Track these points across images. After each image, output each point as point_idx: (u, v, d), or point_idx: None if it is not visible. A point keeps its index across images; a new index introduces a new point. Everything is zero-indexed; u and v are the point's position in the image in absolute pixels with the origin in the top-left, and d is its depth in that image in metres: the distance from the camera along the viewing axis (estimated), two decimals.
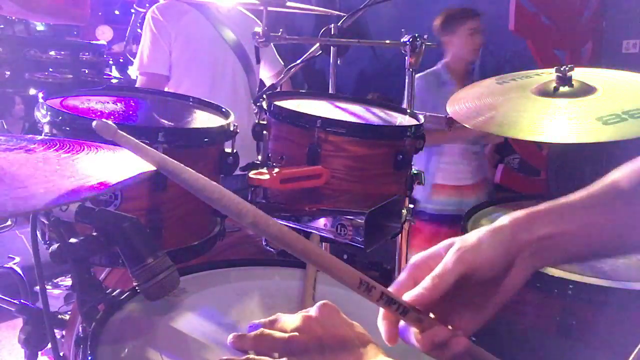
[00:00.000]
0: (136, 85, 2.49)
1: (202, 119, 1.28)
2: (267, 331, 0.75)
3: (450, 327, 0.71)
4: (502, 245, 0.70)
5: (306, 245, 0.65)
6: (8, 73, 2.66)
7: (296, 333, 0.71)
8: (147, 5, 2.77)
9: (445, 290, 0.69)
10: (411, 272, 0.73)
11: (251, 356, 0.73)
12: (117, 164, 0.72)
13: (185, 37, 2.46)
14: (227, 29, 2.51)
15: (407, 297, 0.70)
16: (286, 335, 0.72)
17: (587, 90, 1.28)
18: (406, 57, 1.55)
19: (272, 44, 2.55)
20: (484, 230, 0.72)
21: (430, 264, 0.72)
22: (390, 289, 0.72)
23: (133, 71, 2.54)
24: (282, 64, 2.71)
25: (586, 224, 0.72)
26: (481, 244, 0.70)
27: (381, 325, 0.72)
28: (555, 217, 0.72)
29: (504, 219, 0.73)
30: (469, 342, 0.71)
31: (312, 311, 0.76)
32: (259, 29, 1.64)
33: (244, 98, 2.51)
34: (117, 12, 5.59)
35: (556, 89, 1.30)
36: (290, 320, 0.75)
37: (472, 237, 0.72)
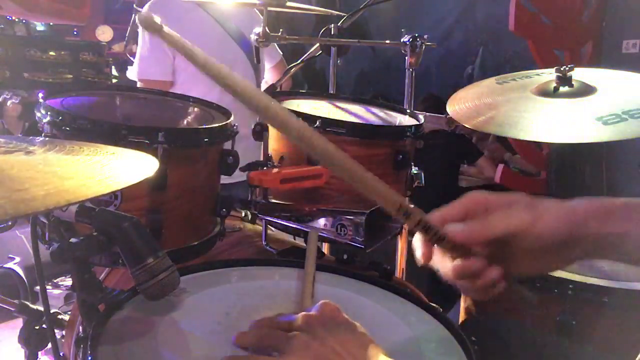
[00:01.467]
0: None
1: (202, 119, 1.28)
2: (268, 329, 0.75)
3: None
4: (570, 225, 0.68)
5: (352, 164, 0.63)
6: (7, 75, 2.66)
7: (297, 332, 0.71)
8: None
9: (490, 239, 0.68)
10: (466, 204, 0.72)
11: (252, 355, 0.73)
12: (117, 165, 0.72)
13: (190, 38, 2.36)
14: (234, 25, 2.35)
15: (451, 229, 0.69)
16: (287, 334, 0.72)
17: (587, 90, 1.28)
18: (406, 57, 1.55)
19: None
20: (555, 202, 0.70)
21: (489, 206, 0.70)
22: (439, 213, 0.71)
23: (132, 76, 2.40)
24: (281, 53, 2.67)
25: None
26: (548, 213, 0.68)
27: (417, 243, 0.72)
28: (630, 215, 0.69)
29: (580, 202, 0.70)
30: (502, 275, 0.70)
31: (313, 310, 0.76)
32: (258, 29, 1.65)
33: None
34: (117, 12, 5.60)
35: (556, 89, 1.30)
36: (291, 320, 0.75)
37: (541, 203, 0.70)
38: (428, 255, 0.72)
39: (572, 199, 0.71)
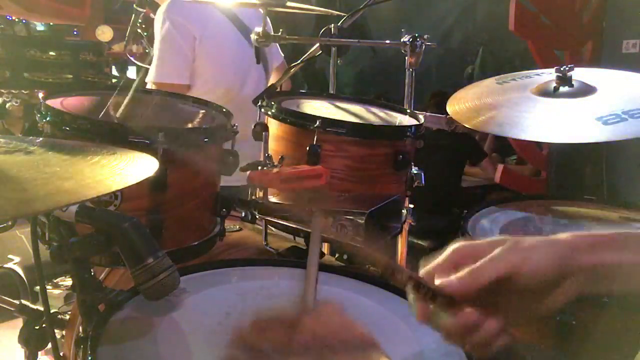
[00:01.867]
0: None
1: (202, 119, 1.28)
2: (270, 329, 0.75)
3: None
4: (558, 260, 0.67)
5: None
6: (7, 75, 2.66)
7: (298, 333, 0.71)
8: (147, 5, 2.74)
9: (481, 287, 0.67)
10: (452, 256, 0.71)
11: (253, 356, 0.73)
12: (117, 165, 0.71)
13: (211, 40, 2.16)
14: (248, 29, 2.25)
15: (442, 282, 0.68)
16: (288, 334, 0.72)
17: (587, 90, 1.28)
18: (406, 57, 1.55)
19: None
20: (541, 238, 0.69)
21: (474, 254, 0.69)
22: (427, 268, 0.71)
23: (148, 81, 2.22)
24: (283, 55, 2.66)
25: None
26: (535, 251, 0.67)
27: (413, 303, 0.71)
28: (620, 246, 0.69)
29: (566, 234, 0.69)
30: (501, 327, 0.69)
31: (314, 311, 0.75)
32: (259, 29, 1.64)
33: None
34: (117, 12, 5.60)
35: (556, 89, 1.30)
36: (291, 320, 0.75)
37: (526, 241, 0.69)
38: (425, 314, 0.71)
39: (556, 234, 0.71)
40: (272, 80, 2.50)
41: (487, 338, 0.69)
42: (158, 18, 2.18)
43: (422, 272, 0.71)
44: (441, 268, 0.71)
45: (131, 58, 2.83)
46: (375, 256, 0.67)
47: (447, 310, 0.69)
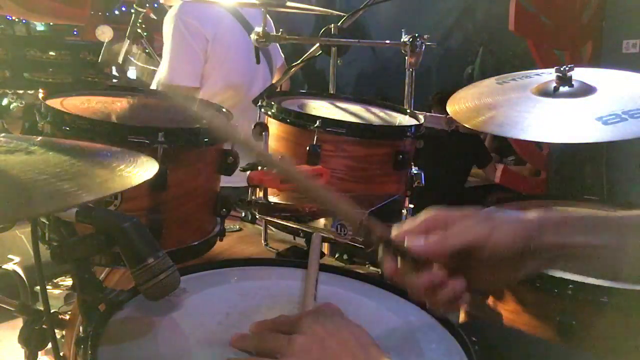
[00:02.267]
0: None
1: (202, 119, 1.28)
2: (269, 331, 0.75)
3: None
4: (524, 238, 0.70)
5: (313, 183, 0.68)
6: (7, 75, 2.66)
7: (297, 334, 0.71)
8: (147, 5, 2.73)
9: (448, 253, 0.71)
10: (424, 222, 0.74)
11: (253, 357, 0.73)
12: (117, 165, 0.71)
13: (222, 42, 2.17)
14: (253, 29, 2.30)
15: (411, 243, 0.72)
16: (288, 336, 0.72)
17: (587, 90, 1.28)
18: (406, 57, 1.55)
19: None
20: (512, 214, 0.73)
21: (445, 222, 0.73)
22: (400, 230, 0.74)
23: (156, 82, 2.25)
24: (283, 56, 2.66)
25: (618, 242, 0.70)
26: (503, 227, 0.71)
27: (382, 259, 0.74)
28: (587, 228, 0.71)
29: (535, 213, 0.73)
30: (465, 287, 0.73)
31: (314, 312, 0.76)
32: (259, 29, 1.65)
33: None
34: (117, 12, 5.60)
35: (556, 89, 1.30)
36: (292, 321, 0.75)
37: (496, 216, 0.73)
38: (393, 270, 0.74)
39: (527, 211, 0.74)
40: (273, 80, 2.51)
41: (450, 297, 0.73)
42: (168, 20, 2.18)
43: (394, 233, 0.74)
44: (412, 231, 0.74)
45: (131, 58, 2.83)
46: (350, 213, 0.70)
47: (415, 268, 0.73)
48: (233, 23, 2.24)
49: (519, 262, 0.72)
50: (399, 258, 0.73)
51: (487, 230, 0.71)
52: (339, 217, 0.69)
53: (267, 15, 1.68)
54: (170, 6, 2.31)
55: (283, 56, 2.63)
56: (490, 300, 1.31)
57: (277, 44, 2.55)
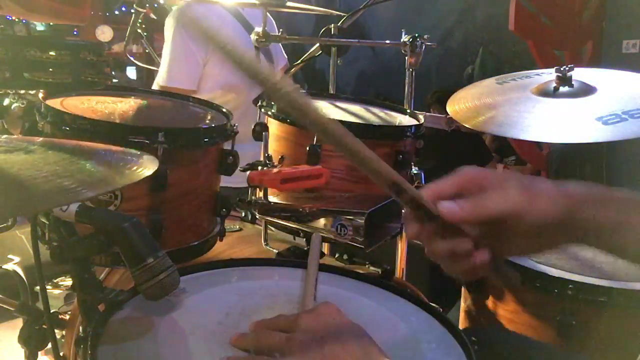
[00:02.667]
0: None
1: (202, 119, 1.28)
2: (269, 331, 0.75)
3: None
4: (565, 209, 0.67)
5: (347, 134, 0.61)
6: (7, 75, 2.65)
7: (297, 334, 0.71)
8: (147, 5, 2.73)
9: (482, 220, 0.67)
10: (460, 180, 0.70)
11: (252, 356, 0.73)
12: (117, 165, 0.72)
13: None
14: (253, 29, 2.30)
15: (442, 207, 0.67)
16: (287, 335, 0.72)
17: (587, 90, 1.28)
18: (406, 57, 1.55)
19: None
20: (551, 184, 0.69)
21: (483, 184, 0.69)
22: (431, 189, 0.69)
23: (156, 83, 2.26)
24: (286, 57, 2.65)
25: None
26: (543, 198, 0.67)
27: (407, 217, 0.70)
28: (627, 205, 0.68)
29: (577, 186, 0.69)
30: (490, 259, 0.69)
31: (314, 311, 0.75)
32: (259, 29, 1.64)
33: None
34: (117, 12, 5.60)
35: (556, 89, 1.30)
36: (291, 320, 0.75)
37: (537, 184, 0.68)
38: (418, 232, 0.70)
39: (569, 183, 0.70)
40: None
41: (471, 267, 0.69)
42: (169, 22, 2.18)
43: (426, 191, 0.69)
44: (447, 190, 0.70)
45: (131, 58, 2.83)
46: (381, 168, 0.63)
47: (443, 232, 0.68)
48: (234, 25, 2.24)
49: (554, 235, 0.68)
50: (426, 220, 0.68)
51: (525, 199, 0.66)
52: (364, 168, 0.63)
53: (269, 16, 1.68)
54: (173, 6, 2.31)
55: (286, 57, 2.62)
56: (490, 301, 1.31)
57: (281, 45, 2.56)
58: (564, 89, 1.29)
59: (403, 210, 0.70)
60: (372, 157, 0.62)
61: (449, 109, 1.37)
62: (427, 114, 1.45)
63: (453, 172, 0.71)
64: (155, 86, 2.22)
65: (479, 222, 0.67)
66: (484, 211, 0.66)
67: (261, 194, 1.20)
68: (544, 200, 0.67)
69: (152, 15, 2.64)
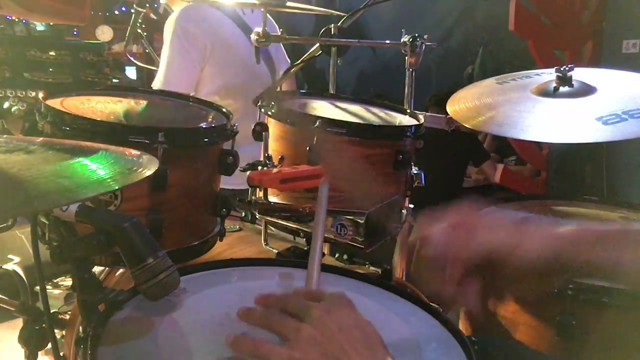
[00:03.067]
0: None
1: (202, 119, 1.28)
2: (279, 313, 0.73)
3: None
4: (556, 252, 0.69)
5: None
6: (7, 75, 2.65)
7: (307, 324, 0.70)
8: (147, 5, 2.73)
9: (470, 257, 0.70)
10: (451, 220, 0.73)
11: (261, 340, 0.71)
12: (117, 164, 0.72)
13: (222, 49, 2.17)
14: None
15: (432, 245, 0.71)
16: (296, 324, 0.70)
17: (587, 90, 1.28)
18: (406, 57, 1.55)
19: (281, 44, 2.51)
20: (542, 227, 0.71)
21: (475, 225, 0.72)
22: (423, 222, 0.73)
23: (153, 86, 2.22)
24: (289, 61, 2.65)
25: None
26: (533, 239, 0.68)
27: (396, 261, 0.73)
28: (619, 242, 0.71)
29: (570, 228, 0.70)
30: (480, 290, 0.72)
31: (327, 303, 0.74)
32: (259, 29, 1.64)
33: None
34: (117, 12, 5.60)
35: (556, 89, 1.30)
36: (302, 306, 0.73)
37: (528, 226, 0.71)
38: (406, 266, 0.74)
39: (560, 225, 0.72)
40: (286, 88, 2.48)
41: (460, 300, 0.74)
42: (168, 25, 2.18)
43: (417, 229, 0.73)
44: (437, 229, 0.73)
45: (131, 58, 2.83)
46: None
47: (432, 267, 0.73)
48: (234, 29, 2.24)
49: (545, 278, 0.71)
50: (415, 255, 0.72)
51: (515, 241, 0.69)
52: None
53: (269, 17, 1.68)
54: (174, 7, 2.31)
55: (288, 60, 2.62)
56: (490, 301, 1.31)
57: (283, 48, 2.57)
58: (564, 89, 1.29)
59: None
60: None
61: (449, 109, 1.37)
62: (427, 114, 1.45)
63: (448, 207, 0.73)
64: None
65: (467, 258, 0.70)
66: (472, 251, 0.70)
67: (261, 194, 1.20)
68: (532, 242, 0.69)
69: (152, 15, 2.64)
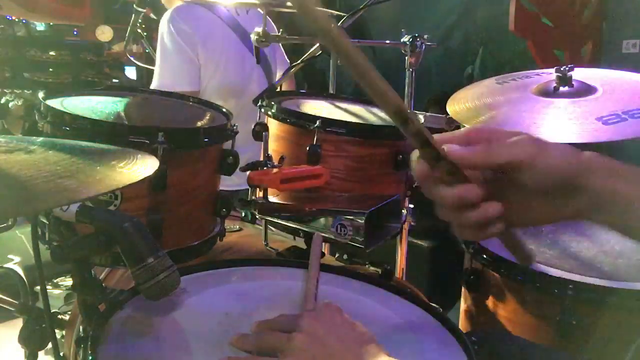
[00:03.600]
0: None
1: (202, 119, 1.28)
2: (270, 331, 0.75)
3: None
4: (574, 168, 0.64)
5: (359, 56, 0.62)
6: (7, 75, 2.65)
7: (298, 333, 0.71)
8: (147, 6, 2.74)
9: (492, 166, 0.64)
10: (469, 132, 0.68)
11: (253, 356, 0.73)
12: (117, 164, 0.72)
13: (213, 48, 2.21)
14: (247, 34, 2.26)
15: (451, 150, 0.64)
16: (288, 335, 0.72)
17: (587, 90, 1.28)
18: (406, 57, 1.55)
19: (280, 45, 2.53)
20: (563, 145, 0.66)
21: (492, 136, 0.66)
22: (441, 136, 0.66)
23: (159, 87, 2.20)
24: (288, 62, 2.66)
25: None
26: (554, 151, 0.65)
27: (414, 160, 0.67)
28: (634, 178, 0.65)
29: (588, 152, 0.66)
30: (502, 209, 0.65)
31: (315, 311, 0.75)
32: (259, 29, 1.64)
33: None
34: (117, 12, 5.60)
35: (556, 89, 1.30)
36: (292, 320, 0.75)
37: (547, 141, 0.66)
38: (424, 173, 0.66)
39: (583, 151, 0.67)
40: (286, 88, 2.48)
41: (481, 220, 0.65)
42: (162, 26, 2.19)
43: (435, 135, 0.66)
44: (453, 138, 0.67)
45: (131, 58, 2.83)
46: (387, 96, 0.61)
47: (449, 178, 0.65)
48: (224, 29, 2.26)
49: (561, 198, 0.65)
50: (434, 161, 0.64)
51: (536, 150, 0.64)
52: (374, 98, 0.63)
53: (268, 18, 1.68)
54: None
55: (288, 61, 2.62)
56: (490, 301, 1.31)
57: (282, 49, 2.58)
58: (564, 89, 1.29)
59: (411, 154, 0.66)
60: (380, 81, 0.62)
61: (449, 109, 1.37)
62: (428, 114, 1.45)
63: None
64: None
65: (487, 167, 0.65)
66: (493, 157, 0.64)
67: (261, 194, 1.20)
68: (555, 153, 0.65)
69: (152, 15, 2.64)
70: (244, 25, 2.31)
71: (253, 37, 1.65)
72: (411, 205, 1.37)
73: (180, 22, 2.15)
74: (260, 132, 1.24)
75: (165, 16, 2.21)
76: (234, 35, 2.28)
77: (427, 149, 0.64)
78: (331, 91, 1.78)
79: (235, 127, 1.18)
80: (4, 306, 1.03)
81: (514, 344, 1.08)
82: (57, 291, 2.35)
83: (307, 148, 1.16)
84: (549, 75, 1.35)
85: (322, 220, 1.12)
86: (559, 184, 0.65)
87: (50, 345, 0.95)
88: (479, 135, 0.67)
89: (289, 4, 1.73)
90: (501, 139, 0.66)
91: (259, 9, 2.34)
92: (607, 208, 0.65)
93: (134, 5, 2.65)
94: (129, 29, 2.72)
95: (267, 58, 2.37)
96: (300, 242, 1.29)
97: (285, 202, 1.20)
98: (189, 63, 2.16)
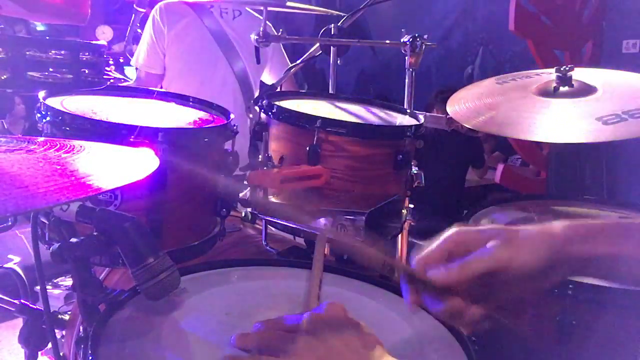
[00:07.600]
0: (135, 78, 2.59)
1: (202, 119, 1.28)
2: (272, 330, 0.74)
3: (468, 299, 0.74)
4: (549, 252, 0.71)
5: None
6: (7, 75, 2.65)
7: (301, 332, 0.70)
8: (147, 6, 2.75)
9: (469, 279, 0.71)
10: (446, 245, 0.75)
11: (254, 355, 0.73)
12: (117, 164, 0.72)
13: (178, 43, 2.51)
14: (225, 35, 2.52)
15: (432, 275, 0.73)
16: (291, 335, 0.71)
17: (587, 90, 1.28)
18: (406, 57, 1.55)
19: (281, 46, 2.57)
20: (534, 230, 0.73)
21: (467, 243, 0.74)
22: (421, 256, 0.76)
23: (132, 63, 2.67)
24: (289, 63, 2.67)
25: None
26: (526, 247, 0.71)
27: (405, 291, 0.77)
28: (611, 236, 0.72)
29: (558, 226, 0.73)
30: (483, 313, 0.74)
31: (318, 311, 0.75)
32: (254, 35, 1.64)
33: (234, 107, 2.48)
34: (117, 12, 5.60)
35: (556, 89, 1.30)
36: (295, 320, 0.74)
37: (519, 235, 0.73)
38: (416, 301, 0.77)
39: (551, 223, 0.74)
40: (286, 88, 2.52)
41: (471, 322, 0.75)
42: (150, 15, 2.55)
43: (416, 260, 0.76)
44: (434, 257, 0.75)
45: (131, 58, 2.83)
46: (372, 255, 0.73)
47: (437, 297, 0.75)
48: (197, 26, 2.50)
49: (543, 276, 0.72)
50: (421, 288, 0.76)
51: (508, 254, 0.71)
52: (365, 263, 0.79)
53: (260, 17, 1.70)
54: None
55: (288, 62, 2.63)
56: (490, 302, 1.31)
57: (282, 50, 2.59)
58: (564, 89, 1.30)
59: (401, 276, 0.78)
60: (366, 249, 0.75)
61: (449, 109, 1.37)
62: (427, 114, 1.45)
63: (442, 231, 0.77)
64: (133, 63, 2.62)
65: (467, 282, 0.72)
66: (470, 271, 0.72)
67: (261, 194, 1.20)
68: (526, 250, 0.71)
69: None
70: (232, 29, 2.53)
71: (253, 37, 1.65)
72: (411, 205, 1.37)
73: (158, 15, 2.51)
74: (260, 132, 1.24)
75: (154, 9, 2.54)
76: (211, 38, 2.51)
77: (415, 282, 0.76)
78: (331, 91, 1.78)
79: (235, 127, 1.18)
80: (4, 306, 1.03)
81: (514, 344, 1.08)
82: (57, 291, 2.35)
83: (307, 148, 1.16)
84: (549, 75, 1.35)
85: (322, 220, 1.12)
86: (537, 271, 0.71)
87: (50, 345, 0.95)
88: (455, 246, 0.75)
89: (289, 3, 1.73)
90: (478, 245, 0.73)
91: (254, 13, 2.42)
92: (589, 269, 0.73)
93: (134, 5, 2.66)
94: (129, 29, 2.73)
95: (237, 54, 2.55)
96: (300, 242, 1.29)
97: (285, 202, 1.20)
98: (155, 52, 2.53)
